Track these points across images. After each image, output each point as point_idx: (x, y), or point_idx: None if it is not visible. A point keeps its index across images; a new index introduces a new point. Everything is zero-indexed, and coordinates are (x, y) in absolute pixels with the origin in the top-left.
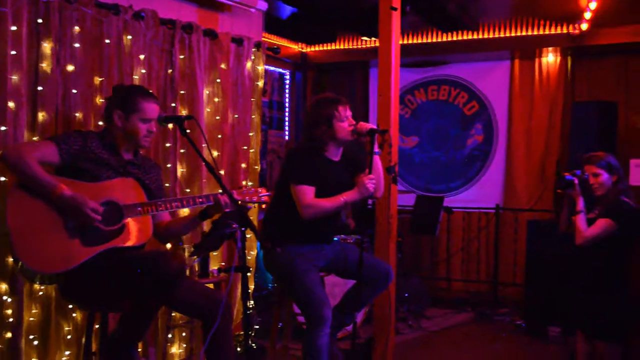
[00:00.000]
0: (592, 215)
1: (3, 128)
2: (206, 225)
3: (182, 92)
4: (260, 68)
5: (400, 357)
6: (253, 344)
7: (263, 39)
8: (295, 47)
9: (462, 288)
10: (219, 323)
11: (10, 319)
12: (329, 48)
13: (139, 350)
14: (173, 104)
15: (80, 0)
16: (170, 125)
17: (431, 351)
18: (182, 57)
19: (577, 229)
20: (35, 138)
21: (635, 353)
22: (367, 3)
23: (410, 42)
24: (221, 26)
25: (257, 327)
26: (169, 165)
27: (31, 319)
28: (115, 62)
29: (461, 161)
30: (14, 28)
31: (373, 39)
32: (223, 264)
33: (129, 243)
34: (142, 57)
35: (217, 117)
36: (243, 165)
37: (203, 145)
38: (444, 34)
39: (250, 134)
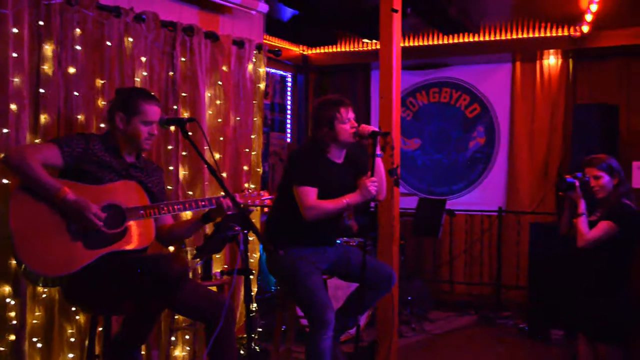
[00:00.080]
0: (594, 218)
1: (5, 130)
2: (209, 228)
3: (183, 94)
4: (262, 70)
5: None
6: (256, 347)
7: (264, 41)
8: (297, 50)
9: (465, 291)
10: (222, 326)
11: (14, 322)
12: (330, 50)
13: (142, 353)
14: (175, 107)
15: (81, 2)
16: (172, 128)
17: (434, 354)
18: (183, 59)
19: (578, 231)
20: (37, 140)
21: (636, 355)
22: (368, 5)
23: (411, 44)
24: (222, 28)
25: (260, 330)
26: (171, 168)
27: (34, 321)
28: (117, 65)
29: (463, 164)
30: (15, 30)
31: (374, 41)
32: (226, 266)
33: (132, 246)
34: (143, 59)
35: (219, 120)
36: (245, 167)
37: (205, 147)
38: (445, 37)
39: (252, 137)
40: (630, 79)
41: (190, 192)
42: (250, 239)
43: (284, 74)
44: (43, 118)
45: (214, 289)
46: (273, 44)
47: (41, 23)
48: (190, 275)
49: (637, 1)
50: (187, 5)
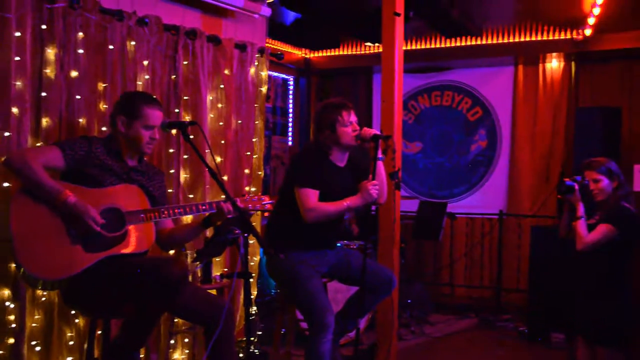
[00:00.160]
0: (593, 221)
1: (7, 134)
2: (209, 231)
3: (185, 97)
4: (264, 74)
5: None
6: (256, 350)
7: (267, 44)
8: (299, 53)
9: (465, 294)
10: (222, 329)
11: (13, 325)
12: (332, 54)
13: (141, 356)
14: (176, 110)
15: (84, 6)
16: (174, 131)
17: (434, 357)
18: (185, 62)
19: (577, 234)
20: (39, 144)
21: (636, 359)
22: (371, 8)
23: (413, 47)
24: (225, 32)
25: (260, 333)
26: (172, 171)
27: (34, 324)
28: (119, 68)
29: (465, 167)
30: (18, 34)
31: (376, 44)
32: (226, 270)
33: (131, 250)
34: (145, 63)
35: (221, 123)
36: (246, 171)
37: (206, 151)
38: (448, 40)
39: (254, 140)
40: (632, 82)
41: (191, 196)
42: (250, 242)
43: (286, 77)
44: (45, 121)
45: (214, 292)
46: (275, 47)
47: (44, 27)
48: (190, 278)
49: (639, 5)
50: (190, 9)
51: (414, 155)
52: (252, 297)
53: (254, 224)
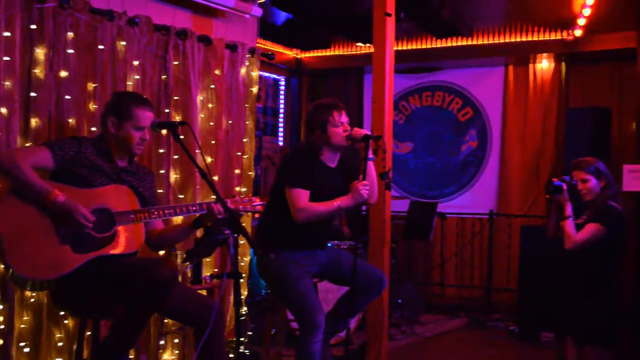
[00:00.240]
0: (581, 221)
1: None
2: (199, 232)
3: (176, 98)
4: (255, 74)
5: None
6: (246, 351)
7: (257, 45)
8: (290, 53)
9: (455, 294)
10: (212, 329)
11: (1, 326)
12: (323, 54)
13: (131, 357)
14: (167, 110)
15: (74, 6)
16: (164, 131)
17: (424, 357)
18: (176, 63)
19: (566, 233)
20: (28, 144)
21: (625, 358)
22: (362, 9)
23: (404, 48)
24: (216, 32)
25: (250, 333)
26: (162, 172)
27: (22, 326)
28: (109, 68)
29: (455, 167)
30: (7, 34)
31: (367, 45)
32: (216, 270)
33: (121, 250)
34: (136, 63)
35: (211, 123)
36: (237, 171)
37: (197, 151)
38: (438, 40)
39: (244, 140)
40: (622, 82)
41: (182, 196)
42: (240, 242)
43: (277, 77)
44: (34, 122)
45: (204, 292)
46: (266, 47)
47: (33, 27)
48: (180, 278)
49: (629, 5)
50: (180, 9)
51: (405, 155)
52: (242, 297)
53: (244, 224)
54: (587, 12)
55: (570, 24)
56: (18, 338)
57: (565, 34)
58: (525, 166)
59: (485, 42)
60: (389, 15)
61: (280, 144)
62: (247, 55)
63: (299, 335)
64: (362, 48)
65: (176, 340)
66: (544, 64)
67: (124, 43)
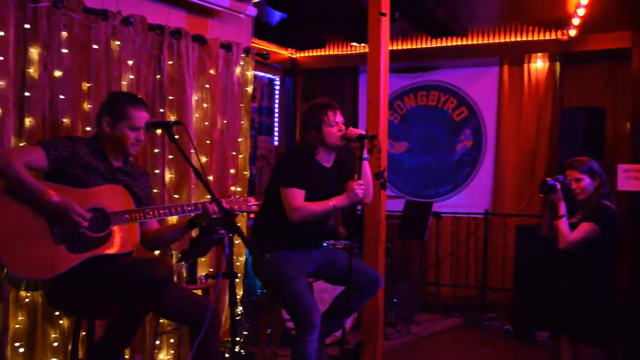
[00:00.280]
0: (574, 220)
1: None
2: (194, 232)
3: (170, 97)
4: (250, 74)
5: None
6: (241, 350)
7: (252, 44)
8: (285, 53)
9: (450, 293)
10: (207, 329)
11: None
12: (318, 54)
13: (126, 357)
14: (162, 110)
15: (68, 5)
16: (159, 131)
17: (420, 356)
18: (170, 62)
19: (560, 233)
20: (22, 144)
21: (620, 356)
22: (357, 9)
23: (399, 47)
24: (210, 32)
25: (246, 333)
26: (157, 171)
27: (17, 326)
28: (103, 68)
29: (450, 166)
30: (0, 33)
31: (362, 44)
32: (211, 270)
33: (116, 250)
34: (130, 62)
35: (206, 123)
36: (232, 171)
37: (191, 151)
38: (433, 40)
39: (239, 140)
40: (616, 82)
41: (177, 196)
42: (235, 242)
43: (272, 77)
44: (28, 121)
45: (199, 292)
46: (261, 47)
47: (27, 26)
48: (175, 278)
49: (624, 5)
50: (175, 9)
51: (400, 155)
52: (237, 297)
53: (239, 224)
54: (581, 12)
55: (564, 24)
56: (13, 338)
57: (559, 33)
58: (519, 166)
59: (480, 42)
60: (384, 14)
61: (276, 143)
62: (242, 55)
63: (294, 335)
64: (357, 48)
65: (171, 340)
66: (539, 64)
67: (118, 42)
